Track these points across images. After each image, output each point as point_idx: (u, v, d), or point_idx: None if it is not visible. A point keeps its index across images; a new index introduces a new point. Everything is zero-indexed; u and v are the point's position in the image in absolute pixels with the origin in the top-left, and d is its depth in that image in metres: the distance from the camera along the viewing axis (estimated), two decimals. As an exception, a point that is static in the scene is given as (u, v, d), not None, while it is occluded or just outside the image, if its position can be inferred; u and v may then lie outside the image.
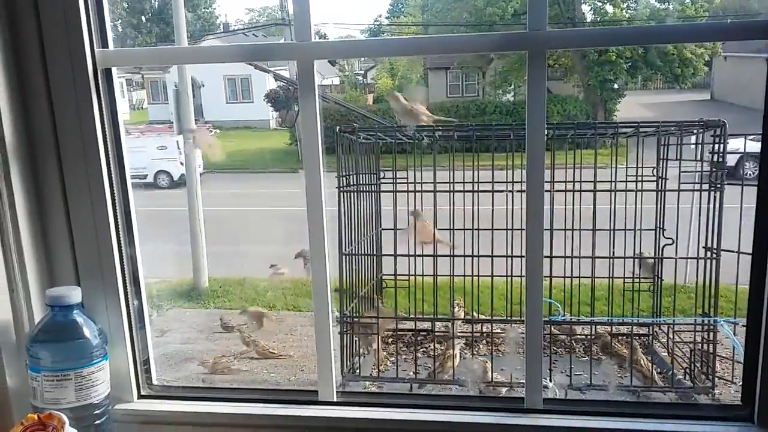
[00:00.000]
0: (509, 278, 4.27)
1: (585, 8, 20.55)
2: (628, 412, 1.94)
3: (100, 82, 1.97)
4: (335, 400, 2.05)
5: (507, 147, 4.48)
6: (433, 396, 2.71)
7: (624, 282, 4.43)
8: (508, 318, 4.63)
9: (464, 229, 4.32)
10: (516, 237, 4.26)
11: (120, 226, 2.06)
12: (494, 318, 4.66)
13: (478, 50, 1.77)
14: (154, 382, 2.19)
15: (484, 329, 4.79)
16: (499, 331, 4.83)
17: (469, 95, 24.31)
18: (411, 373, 4.35)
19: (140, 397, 2.13)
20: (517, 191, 4.12)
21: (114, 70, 2.00)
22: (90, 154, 1.97)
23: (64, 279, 2.02)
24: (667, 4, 20.36)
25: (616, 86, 20.75)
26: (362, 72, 34.22)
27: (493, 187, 4.13)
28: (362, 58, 35.82)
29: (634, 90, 25.45)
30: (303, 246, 1.96)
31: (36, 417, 1.71)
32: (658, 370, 4.07)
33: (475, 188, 4.14)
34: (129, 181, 2.11)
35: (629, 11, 20.04)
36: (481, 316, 4.80)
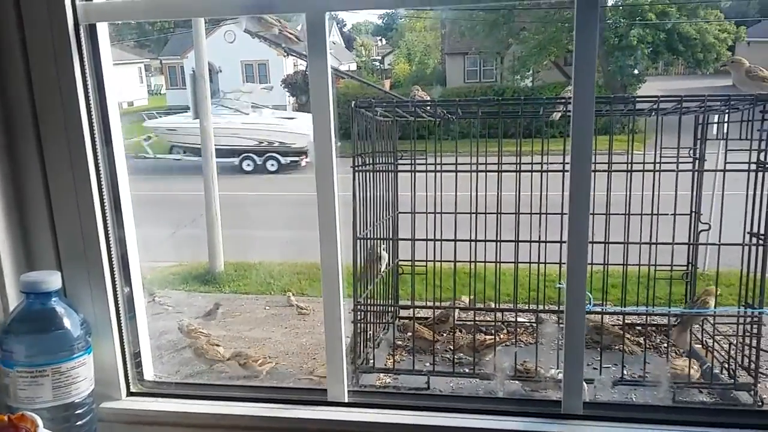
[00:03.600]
0: (539, 264, 4.02)
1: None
2: (680, 420, 1.70)
3: (83, 40, 1.74)
4: (346, 400, 1.83)
5: (532, 130, 4.21)
6: (456, 397, 2.48)
7: (655, 270, 4.14)
8: (537, 308, 4.36)
9: (486, 213, 4.07)
10: (533, 222, 4.02)
11: (107, 205, 1.84)
12: (520, 307, 4.41)
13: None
14: (146, 377, 1.97)
15: (506, 317, 4.56)
16: (524, 320, 4.59)
17: (486, 81, 23.94)
18: (428, 365, 4.13)
19: (129, 394, 1.92)
20: (539, 171, 3.86)
21: (100, 27, 1.77)
22: (71, 125, 1.75)
23: (43, 263, 1.81)
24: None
25: (636, 72, 20.33)
26: (379, 57, 33.93)
27: (519, 167, 3.85)
28: (379, 44, 35.52)
29: (654, 75, 24.94)
30: (314, 231, 1.73)
31: (6, 418, 1.50)
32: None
33: (499, 169, 3.87)
34: (119, 156, 1.89)
35: (652, -8, 19.55)
36: (502, 305, 4.56)
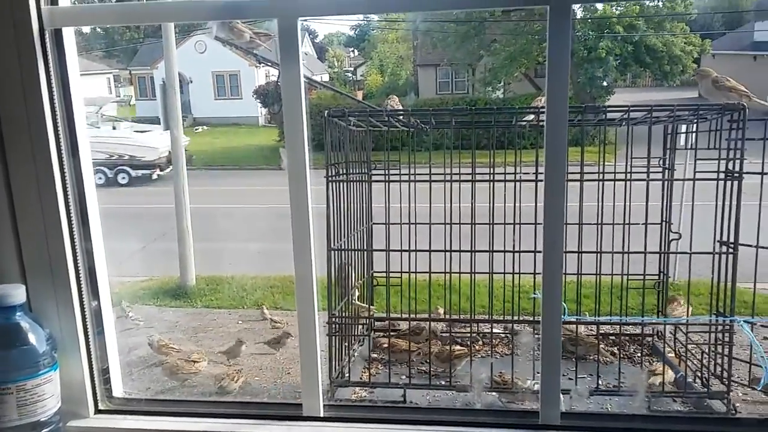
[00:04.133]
0: (514, 275, 4.00)
1: (575, 6, 20.43)
2: (656, 429, 1.70)
3: (48, 46, 1.69)
4: (321, 415, 1.79)
5: (505, 141, 4.22)
6: (433, 410, 2.45)
7: (628, 279, 4.17)
8: (512, 319, 4.35)
9: (460, 224, 4.06)
10: (508, 232, 4.02)
11: (74, 217, 1.79)
12: (495, 318, 4.40)
13: (492, 5, 1.52)
14: (115, 394, 1.91)
15: (481, 329, 4.54)
16: (499, 331, 4.58)
17: (458, 92, 24.17)
18: (404, 377, 4.09)
19: (97, 412, 1.86)
20: (513, 181, 3.87)
21: (66, 33, 1.73)
22: (36, 133, 1.70)
23: (6, 276, 1.75)
24: (656, 1, 20.34)
25: (605, 83, 20.69)
26: (352, 68, 34.02)
27: (493, 177, 3.84)
28: (351, 55, 35.59)
29: (623, 87, 25.42)
30: (289, 243, 1.70)
31: (-34, 440, 1.44)
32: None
33: (473, 179, 3.86)
34: (86, 167, 1.84)
35: (618, 8, 19.99)
36: (477, 316, 4.55)
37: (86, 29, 25.07)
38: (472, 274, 4.03)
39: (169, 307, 9.04)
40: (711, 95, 3.82)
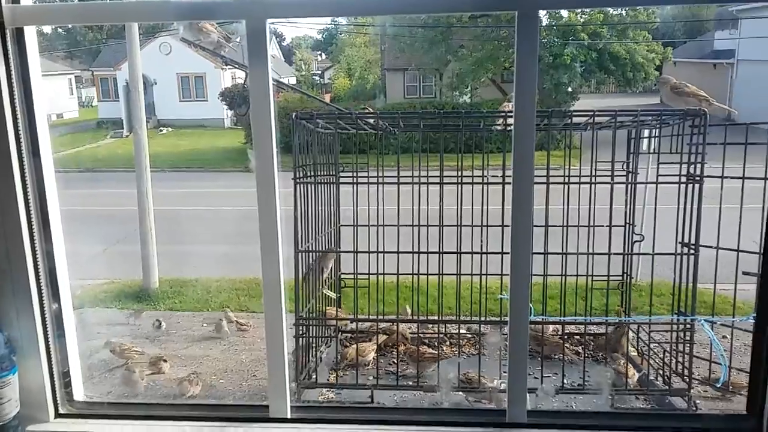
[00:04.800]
0: (481, 276, 4.04)
1: (541, 12, 20.70)
2: (621, 426, 1.72)
3: (9, 44, 1.65)
4: (289, 416, 1.78)
5: (472, 145, 4.26)
6: (401, 410, 2.45)
7: (592, 280, 4.24)
8: (480, 319, 4.38)
9: (428, 226, 4.08)
10: (476, 233, 4.05)
11: (34, 219, 1.75)
12: (462, 319, 4.43)
13: (460, 9, 1.53)
14: (76, 398, 1.87)
15: (449, 329, 4.57)
16: (465, 332, 4.60)
17: (426, 96, 24.29)
18: (371, 378, 4.09)
19: (58, 416, 1.82)
20: (480, 183, 3.90)
21: (28, 32, 1.69)
22: (-4, 132, 1.66)
23: (-38, 278, 1.70)
24: (620, 10, 20.72)
25: (570, 89, 21.00)
26: (319, 72, 33.94)
27: (460, 179, 3.86)
28: (319, 58, 35.49)
29: (587, 93, 25.84)
30: (254, 246, 1.68)
31: None
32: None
33: (441, 182, 3.88)
34: (48, 168, 1.80)
35: (583, 16, 20.30)
36: (444, 317, 4.58)
37: (47, 29, 24.57)
38: (440, 276, 4.04)
39: (131, 310, 8.89)
40: (672, 101, 3.91)
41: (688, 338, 3.56)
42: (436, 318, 4.44)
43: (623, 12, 20.76)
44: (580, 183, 3.95)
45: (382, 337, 4.34)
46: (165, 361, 5.68)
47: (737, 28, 21.89)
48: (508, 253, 1.70)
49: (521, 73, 1.58)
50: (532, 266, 1.74)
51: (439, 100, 22.58)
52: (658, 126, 3.88)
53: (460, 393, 3.68)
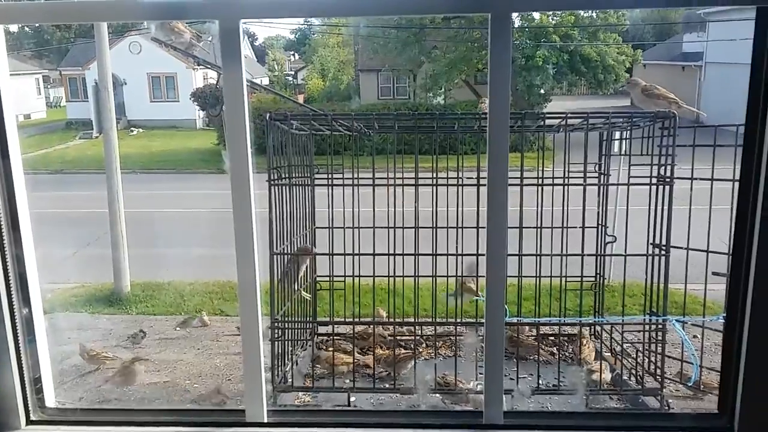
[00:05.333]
0: (457, 278, 4.06)
1: (513, 15, 20.91)
2: (596, 425, 1.74)
3: (-25, 43, 1.62)
4: (265, 420, 1.76)
5: (447, 146, 4.26)
6: (379, 412, 2.45)
7: (566, 282, 4.28)
8: (456, 321, 4.39)
9: (404, 228, 4.08)
10: (451, 234, 4.07)
11: (3, 222, 1.71)
12: (438, 321, 4.44)
13: (434, 11, 1.53)
14: (48, 404, 1.83)
15: (425, 331, 4.58)
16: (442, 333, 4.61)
17: (400, 97, 24.36)
18: (348, 381, 4.08)
19: (29, 423, 1.78)
20: (455, 185, 3.92)
21: (-6, 30, 1.65)
22: (-37, 133, 1.62)
23: (-72, 284, 1.66)
24: (591, 12, 20.97)
25: (542, 91, 21.22)
26: (292, 72, 33.81)
27: (435, 181, 3.87)
28: (292, 59, 35.35)
29: (559, 95, 26.16)
30: (228, 248, 1.67)
31: None
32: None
33: (416, 183, 3.89)
34: (17, 170, 1.76)
35: (555, 18, 20.51)
36: (420, 319, 4.58)
37: (14, 27, 24.09)
38: (416, 278, 4.04)
39: (102, 314, 8.77)
40: (642, 103, 3.97)
41: (660, 338, 3.61)
42: (412, 320, 4.43)
43: (594, 14, 21.04)
44: (553, 185, 3.98)
45: (357, 349, 4.30)
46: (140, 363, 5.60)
47: (705, 31, 22.31)
48: (483, 254, 1.70)
49: (495, 74, 1.59)
50: (506, 268, 1.75)
51: (413, 102, 22.65)
52: (628, 128, 3.93)
53: (437, 395, 3.68)
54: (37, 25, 24.57)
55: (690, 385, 3.83)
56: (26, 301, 1.79)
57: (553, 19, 20.65)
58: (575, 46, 20.44)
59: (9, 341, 1.72)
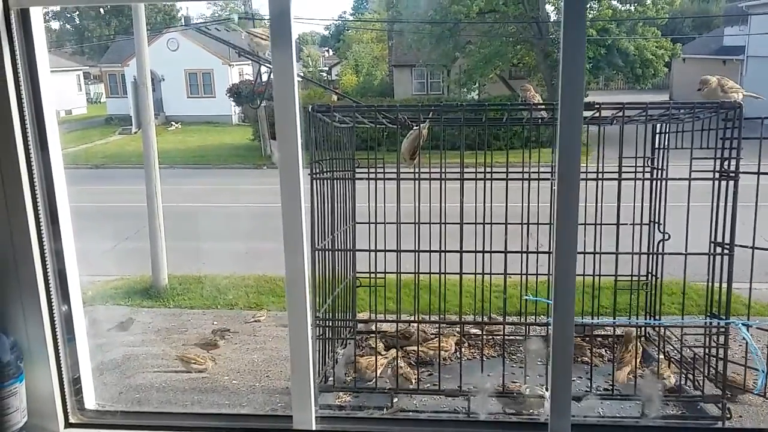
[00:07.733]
0: (506, 276, 3.90)
1: (549, 8, 20.59)
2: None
3: (14, 27, 1.54)
4: (314, 428, 1.66)
5: (485, 141, 4.13)
6: (434, 421, 2.33)
7: (616, 280, 4.09)
8: (520, 321, 4.22)
9: (444, 223, 3.94)
10: (494, 231, 3.92)
11: (42, 216, 1.63)
12: (489, 321, 4.29)
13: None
14: (87, 406, 1.76)
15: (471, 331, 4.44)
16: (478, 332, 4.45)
17: (434, 93, 24.14)
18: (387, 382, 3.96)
19: (68, 426, 1.70)
20: (519, 180, 3.76)
21: (34, 13, 1.57)
22: (1, 126, 1.55)
23: (-35, 279, 1.59)
24: (628, 5, 20.54)
25: (579, 85, 20.75)
26: (326, 68, 33.82)
27: (491, 176, 3.72)
28: (326, 55, 35.39)
29: (595, 90, 25.65)
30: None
31: None
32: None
33: (461, 177, 3.74)
34: (56, 162, 1.68)
35: (591, 12, 20.09)
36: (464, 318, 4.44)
37: (55, 25, 24.54)
38: (460, 275, 3.90)
39: (141, 307, 8.83)
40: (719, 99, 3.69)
41: (722, 342, 3.41)
42: (456, 319, 4.30)
43: (632, 8, 20.59)
44: (600, 180, 3.81)
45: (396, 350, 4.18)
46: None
47: (747, 24, 21.63)
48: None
49: (567, 62, 1.46)
50: (575, 267, 1.61)
51: (447, 97, 22.44)
52: (690, 120, 3.71)
53: (493, 399, 3.53)
54: (77, 21, 25.01)
55: (756, 393, 3.61)
56: (65, 297, 1.72)
57: (590, 13, 20.26)
58: (613, 40, 20.02)
59: (47, 340, 1.65)
